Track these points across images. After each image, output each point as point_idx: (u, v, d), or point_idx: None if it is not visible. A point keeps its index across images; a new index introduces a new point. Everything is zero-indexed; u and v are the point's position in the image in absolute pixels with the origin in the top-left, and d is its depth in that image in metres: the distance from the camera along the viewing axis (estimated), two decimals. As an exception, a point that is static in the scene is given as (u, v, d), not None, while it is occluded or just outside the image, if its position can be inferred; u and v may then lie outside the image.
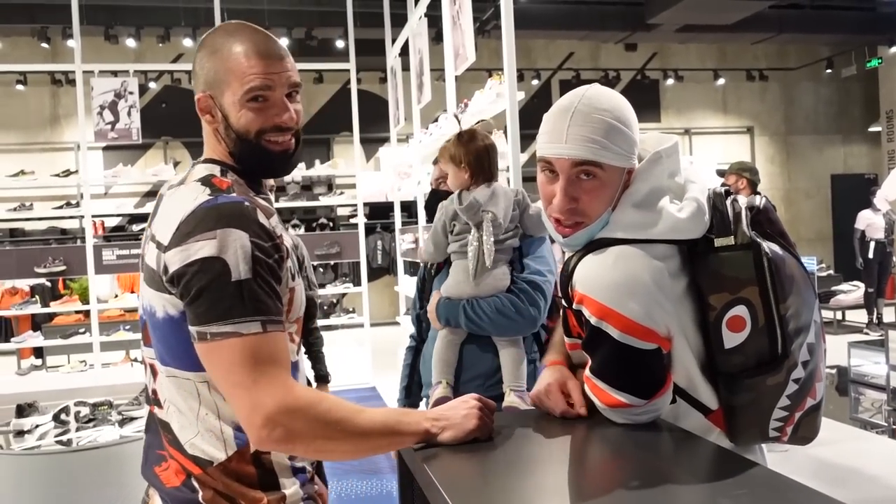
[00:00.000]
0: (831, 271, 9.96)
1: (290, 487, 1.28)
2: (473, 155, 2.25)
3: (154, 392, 1.33)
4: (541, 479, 1.11)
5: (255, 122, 1.27)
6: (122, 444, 2.94)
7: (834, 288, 9.01)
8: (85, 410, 3.20)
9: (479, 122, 2.35)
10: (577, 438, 1.28)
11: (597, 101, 1.29)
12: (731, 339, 1.26)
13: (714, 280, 1.27)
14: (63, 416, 3.17)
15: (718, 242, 1.28)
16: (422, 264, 2.49)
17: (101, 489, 2.89)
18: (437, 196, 2.49)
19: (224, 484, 1.24)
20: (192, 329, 1.16)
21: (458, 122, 2.29)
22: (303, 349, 1.49)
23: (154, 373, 1.31)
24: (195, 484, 1.25)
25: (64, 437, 3.07)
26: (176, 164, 9.25)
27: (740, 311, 1.26)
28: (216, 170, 1.29)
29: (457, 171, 2.28)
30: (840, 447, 4.53)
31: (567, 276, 1.32)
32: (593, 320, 1.25)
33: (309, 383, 2.25)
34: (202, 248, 1.14)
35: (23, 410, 3.18)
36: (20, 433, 3.10)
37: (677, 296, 1.27)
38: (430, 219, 2.50)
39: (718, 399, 1.31)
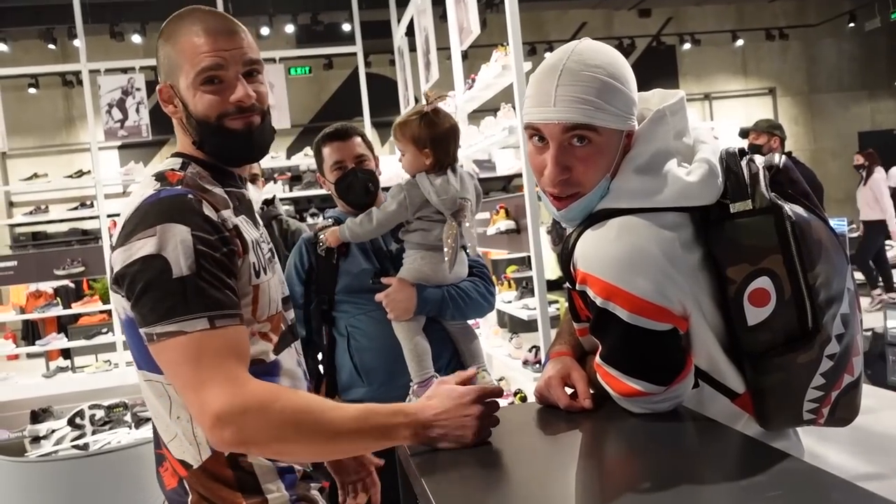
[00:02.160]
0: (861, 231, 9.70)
1: (275, 491, 1.21)
2: (441, 139, 2.02)
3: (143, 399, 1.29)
4: (546, 485, 1.00)
5: (213, 105, 1.21)
6: (138, 445, 2.90)
7: (865, 249, 8.76)
8: (100, 413, 3.16)
9: (436, 96, 2.09)
10: (587, 435, 1.17)
11: (587, 56, 1.16)
12: (754, 315, 1.13)
13: (732, 250, 1.13)
14: (78, 420, 3.14)
15: (734, 208, 1.14)
16: (303, 250, 2.19)
17: (120, 492, 2.85)
18: (357, 176, 2.16)
19: (205, 487, 1.20)
20: (142, 331, 1.12)
21: (427, 99, 2.07)
22: (296, 346, 1.38)
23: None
24: (186, 486, 1.22)
25: (80, 441, 3.04)
26: (190, 158, 9.22)
27: (763, 283, 1.13)
28: (177, 163, 1.25)
29: (417, 153, 2.03)
30: (879, 414, 4.36)
31: (567, 254, 1.20)
32: (599, 301, 1.13)
33: (317, 385, 2.16)
34: (143, 246, 1.10)
35: (37, 416, 3.15)
36: (36, 439, 3.07)
37: (691, 269, 1.14)
38: (361, 205, 2.16)
39: (745, 382, 1.18)
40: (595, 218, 1.17)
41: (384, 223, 2.06)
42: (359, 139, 2.20)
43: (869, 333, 6.39)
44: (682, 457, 1.05)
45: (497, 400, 1.15)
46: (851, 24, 11.84)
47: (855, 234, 8.97)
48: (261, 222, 1.37)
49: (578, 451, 1.12)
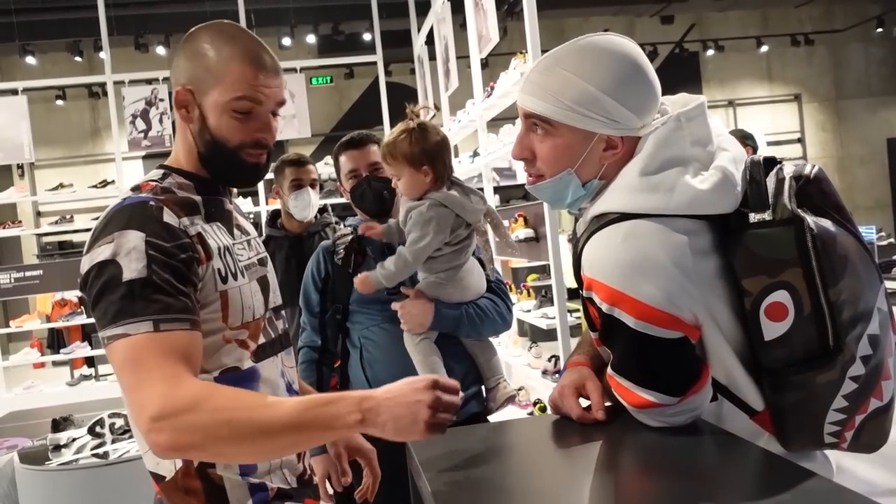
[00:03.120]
0: (892, 240, 9.50)
1: None
2: (436, 152, 1.91)
3: None
4: (555, 500, 0.97)
5: (238, 133, 1.23)
6: (157, 455, 2.91)
7: (896, 257, 8.59)
8: (119, 422, 3.16)
9: (420, 108, 2.00)
10: (601, 448, 1.14)
11: (574, 53, 1.17)
12: (771, 330, 1.09)
13: (749, 261, 1.10)
14: (98, 429, 3.14)
15: (753, 218, 1.11)
16: (320, 258, 2.16)
17: (139, 501, 2.85)
18: (370, 185, 2.12)
19: (177, 500, 1.19)
20: (99, 335, 1.13)
21: (411, 115, 1.97)
22: (284, 356, 1.35)
23: None
24: (163, 499, 1.22)
25: (100, 450, 3.05)
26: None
27: (781, 296, 1.09)
28: (158, 175, 1.27)
29: (415, 173, 1.89)
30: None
31: (577, 259, 1.18)
32: (605, 307, 1.10)
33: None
34: (101, 252, 1.12)
35: (58, 425, 3.16)
36: (57, 448, 3.09)
37: (706, 277, 1.11)
38: (376, 213, 2.14)
39: (764, 399, 1.14)
40: (602, 223, 1.14)
41: (420, 257, 1.90)
42: (374, 147, 2.17)
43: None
44: (699, 473, 1.01)
45: (454, 397, 1.06)
46: (879, 29, 11.66)
47: (884, 242, 8.81)
48: (250, 231, 1.37)
49: (591, 465, 1.09)
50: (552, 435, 1.21)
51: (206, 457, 1.13)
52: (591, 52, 1.16)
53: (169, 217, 1.16)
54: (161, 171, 1.28)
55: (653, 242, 1.09)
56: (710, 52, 11.50)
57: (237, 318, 1.23)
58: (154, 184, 1.23)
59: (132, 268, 1.09)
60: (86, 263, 1.13)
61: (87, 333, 7.87)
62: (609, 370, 1.17)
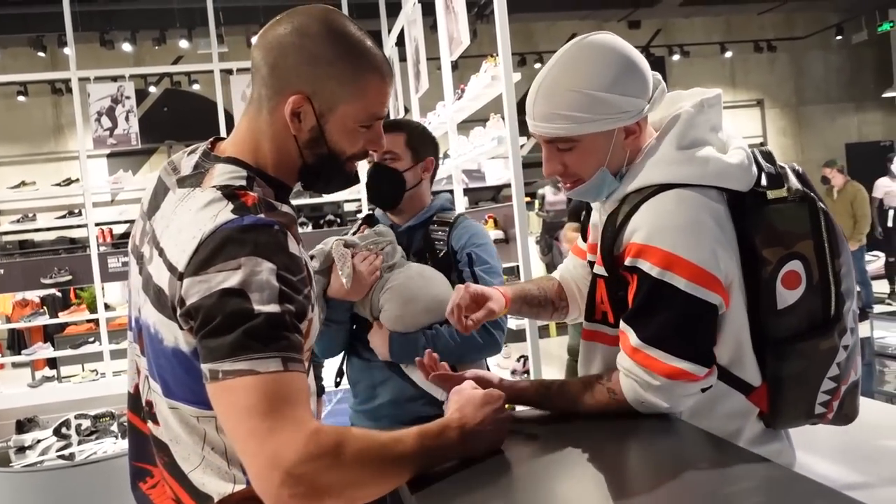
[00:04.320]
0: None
1: None
2: None
3: (150, 405, 1.14)
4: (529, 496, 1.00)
5: (358, 145, 1.16)
6: (125, 456, 2.88)
7: (853, 259, 8.82)
8: (86, 423, 3.14)
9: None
10: (580, 449, 1.17)
11: (565, 71, 1.25)
12: (784, 298, 1.21)
13: (768, 233, 1.21)
14: (64, 430, 3.12)
15: (771, 194, 1.23)
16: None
17: (105, 502, 2.83)
18: (375, 172, 2.06)
19: None
20: (204, 367, 0.99)
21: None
22: None
23: (150, 386, 1.14)
24: None
25: (66, 452, 3.01)
26: (180, 167, 9.18)
27: (795, 266, 1.21)
28: (241, 176, 1.10)
29: None
30: (867, 422, 4.37)
31: (613, 234, 1.24)
32: (655, 272, 1.16)
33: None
34: (225, 279, 0.98)
35: (23, 426, 3.12)
36: (21, 449, 3.05)
37: (732, 243, 1.21)
38: (371, 200, 2.12)
39: (763, 374, 1.23)
40: (645, 194, 1.22)
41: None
42: (397, 135, 2.03)
43: (856, 343, 6.42)
44: (669, 465, 1.06)
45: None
46: (839, 37, 11.96)
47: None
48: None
49: (567, 463, 1.13)
50: (526, 432, 1.24)
51: (340, 501, 0.98)
52: (581, 60, 1.25)
53: (293, 246, 1.05)
54: (244, 174, 1.11)
55: (700, 207, 1.18)
56: (676, 57, 11.68)
57: (309, 344, 1.13)
58: (254, 196, 1.07)
59: (264, 301, 0.98)
60: (200, 289, 0.99)
61: (48, 334, 7.73)
62: (635, 343, 1.20)
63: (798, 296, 1.20)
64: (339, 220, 10.14)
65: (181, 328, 1.03)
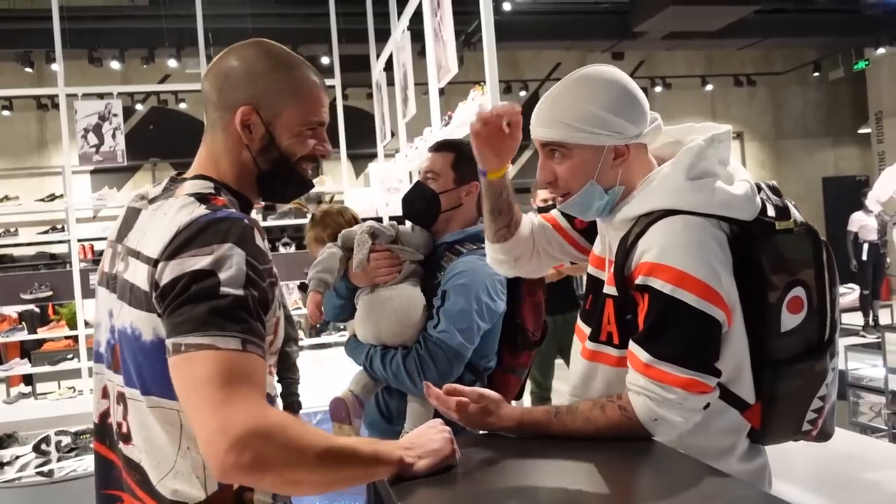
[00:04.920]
0: (826, 274, 9.93)
1: None
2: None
3: (120, 426, 1.20)
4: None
5: (305, 148, 1.27)
6: (105, 473, 2.87)
7: (829, 291, 8.95)
8: (66, 440, 3.12)
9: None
10: (556, 464, 1.22)
11: (573, 84, 1.37)
12: (789, 321, 1.30)
13: (777, 260, 1.30)
14: (44, 447, 3.09)
15: (779, 225, 1.33)
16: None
17: (84, 521, 2.81)
18: (414, 190, 2.11)
19: None
20: (168, 342, 1.06)
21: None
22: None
23: (125, 404, 1.18)
24: None
25: (45, 468, 2.99)
26: (164, 185, 9.19)
27: (799, 292, 1.30)
28: (210, 186, 1.21)
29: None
30: (841, 452, 4.45)
31: (624, 254, 1.31)
32: (667, 289, 1.24)
33: None
34: (197, 261, 1.07)
35: (1, 442, 3.10)
36: (0, 465, 3.02)
37: (731, 269, 1.29)
38: (405, 216, 2.14)
39: (757, 392, 1.31)
40: (653, 217, 1.31)
41: None
42: (442, 155, 2.07)
43: (831, 374, 6.52)
44: (656, 489, 1.10)
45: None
46: (816, 74, 12.25)
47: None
48: None
49: (546, 481, 1.17)
50: (504, 453, 1.28)
51: (274, 481, 1.05)
52: (587, 80, 1.38)
53: (259, 240, 1.14)
54: (212, 185, 1.22)
55: (704, 232, 1.28)
56: (658, 89, 11.90)
57: (276, 346, 1.22)
58: (224, 200, 1.19)
59: (231, 283, 1.06)
60: (173, 270, 1.07)
61: (25, 350, 7.65)
62: (646, 360, 1.26)
63: (800, 320, 1.30)
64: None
65: (159, 315, 1.10)
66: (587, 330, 1.46)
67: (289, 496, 1.24)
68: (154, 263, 1.10)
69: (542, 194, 4.81)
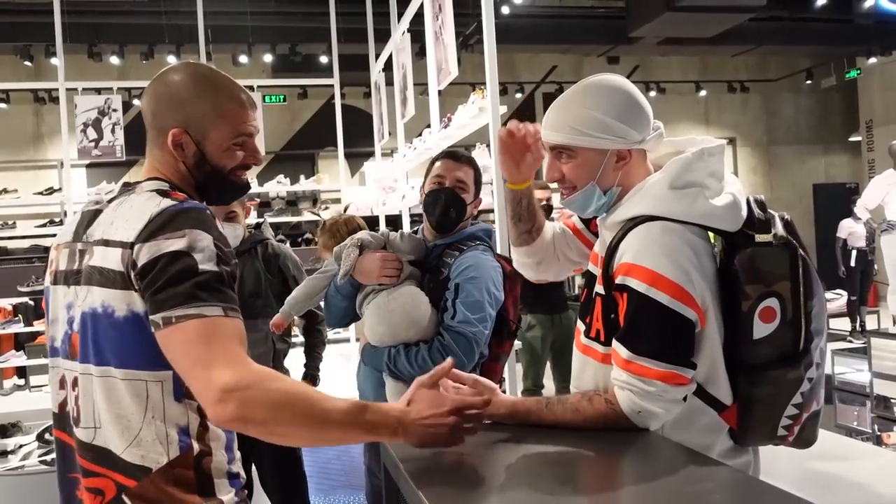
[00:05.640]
0: (814, 280, 10.02)
1: (226, 494, 1.29)
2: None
3: (75, 410, 1.30)
4: (531, 493, 1.12)
5: (235, 160, 1.40)
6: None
7: (817, 296, 9.04)
8: (69, 430, 3.17)
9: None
10: (568, 450, 1.30)
11: (581, 92, 1.48)
12: (760, 330, 1.36)
13: (752, 271, 1.37)
14: (47, 436, 3.14)
15: (759, 238, 1.40)
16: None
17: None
18: (445, 195, 2.20)
19: (161, 491, 1.24)
20: (156, 317, 1.20)
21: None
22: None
23: (77, 387, 1.29)
24: (126, 500, 1.24)
25: (48, 457, 3.04)
26: (160, 180, 9.20)
27: (772, 303, 1.36)
28: (165, 185, 1.36)
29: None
30: (825, 453, 4.55)
31: (608, 256, 1.41)
32: (642, 288, 1.32)
33: None
34: (172, 243, 1.21)
35: (6, 430, 3.15)
36: (3, 453, 3.07)
37: (708, 276, 1.37)
38: (437, 225, 2.23)
39: (735, 394, 1.38)
40: (635, 222, 1.40)
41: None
42: (469, 169, 2.24)
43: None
44: (650, 477, 1.18)
45: (476, 412, 1.27)
46: (808, 81, 12.36)
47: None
48: None
49: (560, 467, 1.24)
50: (518, 437, 1.36)
51: (262, 432, 1.19)
52: (594, 87, 1.49)
53: (219, 226, 1.30)
54: (167, 184, 1.37)
55: (680, 238, 1.36)
56: (653, 94, 11.98)
57: None
58: (183, 195, 1.34)
59: (206, 261, 1.21)
60: (150, 251, 1.21)
61: (20, 343, 7.65)
62: (626, 356, 1.34)
63: (772, 329, 1.36)
64: (317, 240, 10.17)
65: (135, 290, 1.23)
66: (581, 326, 1.56)
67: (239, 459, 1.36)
68: (129, 246, 1.23)
69: (539, 194, 4.95)
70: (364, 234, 2.25)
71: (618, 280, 1.37)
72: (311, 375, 3.29)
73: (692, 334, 1.34)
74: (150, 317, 1.20)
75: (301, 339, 3.85)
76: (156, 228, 1.23)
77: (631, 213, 1.44)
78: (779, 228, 1.42)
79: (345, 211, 3.36)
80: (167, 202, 1.28)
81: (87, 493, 1.27)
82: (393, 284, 2.15)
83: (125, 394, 1.25)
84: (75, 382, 1.30)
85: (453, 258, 2.16)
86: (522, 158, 1.70)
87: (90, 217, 1.36)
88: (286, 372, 3.18)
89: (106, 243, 1.27)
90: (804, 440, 1.48)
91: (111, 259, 1.25)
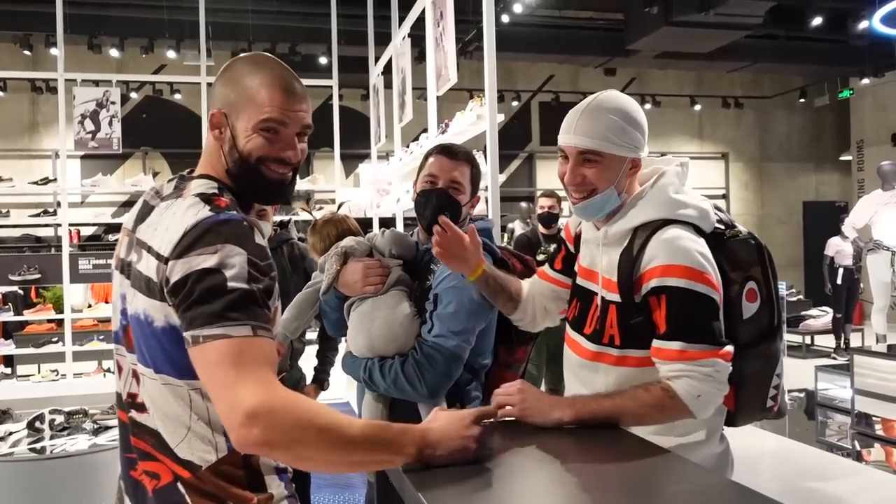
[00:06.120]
0: (801, 296, 10.14)
1: (276, 488, 1.30)
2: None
3: (133, 396, 1.32)
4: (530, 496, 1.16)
5: (262, 149, 1.34)
6: (96, 452, 2.94)
7: (803, 313, 9.15)
8: (59, 419, 3.19)
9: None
10: (569, 452, 1.36)
11: (605, 102, 1.60)
12: (748, 310, 1.57)
13: (734, 260, 1.59)
14: (37, 424, 3.16)
15: (729, 234, 1.63)
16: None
17: (74, 498, 2.88)
18: (437, 199, 2.02)
19: (215, 485, 1.25)
20: (186, 334, 1.18)
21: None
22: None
23: (137, 378, 1.31)
24: (181, 488, 1.26)
25: (37, 445, 3.06)
26: (155, 174, 9.21)
27: (752, 285, 1.59)
28: (213, 187, 1.32)
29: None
30: (807, 468, 4.61)
31: (630, 263, 1.53)
32: (682, 284, 1.48)
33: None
34: (203, 260, 1.18)
35: (-4, 418, 3.17)
36: (-7, 440, 3.09)
37: (714, 267, 1.54)
38: (428, 226, 1.99)
39: (729, 377, 1.50)
40: (654, 227, 1.55)
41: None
42: (466, 167, 2.05)
43: (802, 394, 6.71)
44: (645, 481, 1.23)
45: (491, 420, 1.32)
46: (802, 100, 12.49)
47: (794, 299, 9.41)
48: None
49: (561, 470, 1.28)
50: (517, 439, 1.40)
51: (286, 457, 1.18)
52: (615, 100, 1.63)
53: (258, 238, 1.25)
54: (215, 185, 1.33)
55: (692, 236, 1.55)
56: (648, 106, 12.07)
57: (275, 329, 1.29)
58: (226, 200, 1.29)
59: (236, 279, 1.17)
60: (182, 268, 1.19)
61: (8, 331, 7.66)
62: (681, 347, 1.47)
63: (756, 308, 1.58)
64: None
65: (170, 305, 1.21)
66: (578, 335, 1.67)
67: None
68: (164, 261, 1.21)
69: (543, 202, 5.03)
70: (348, 242, 2.14)
71: (653, 283, 1.50)
72: (320, 379, 3.30)
73: (720, 314, 1.51)
74: (183, 333, 1.19)
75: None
76: (189, 244, 1.20)
77: (641, 219, 1.58)
78: (741, 227, 1.66)
79: (338, 209, 3.31)
80: (204, 213, 1.24)
81: (144, 475, 1.30)
82: (378, 293, 2.03)
83: (170, 397, 1.26)
84: (133, 373, 1.32)
85: (439, 265, 1.98)
86: (464, 249, 1.77)
87: (145, 210, 1.35)
88: (300, 371, 3.22)
89: (148, 249, 1.27)
90: (780, 411, 1.66)
91: (151, 269, 1.24)
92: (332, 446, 1.16)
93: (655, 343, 1.51)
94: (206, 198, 1.28)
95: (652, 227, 1.55)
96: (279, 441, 1.12)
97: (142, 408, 1.31)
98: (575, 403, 1.50)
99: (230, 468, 1.26)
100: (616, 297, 1.56)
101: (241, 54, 1.42)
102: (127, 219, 1.42)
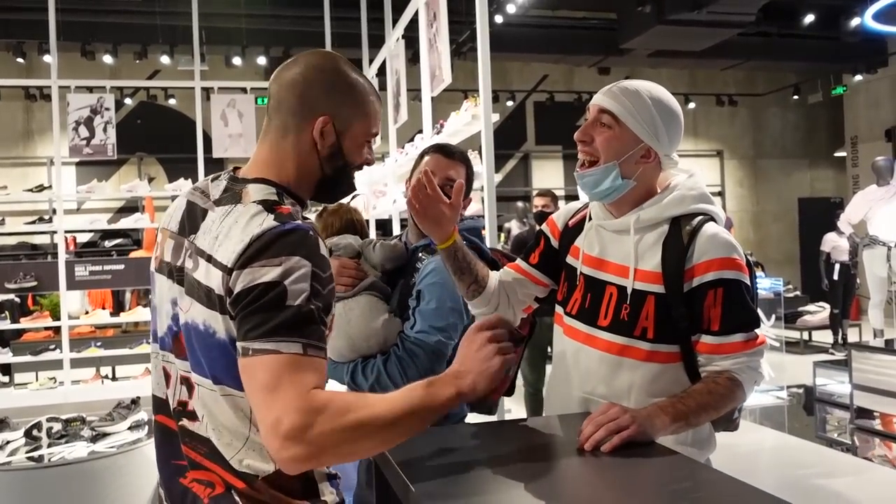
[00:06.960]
0: (798, 292, 10.15)
1: (329, 494, 1.29)
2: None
3: (184, 405, 1.30)
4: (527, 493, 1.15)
5: (361, 157, 1.39)
6: (94, 460, 2.93)
7: (800, 309, 9.17)
8: (57, 426, 3.18)
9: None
10: (566, 450, 1.34)
11: (647, 86, 1.64)
12: None
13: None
14: (35, 432, 3.15)
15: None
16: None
17: (73, 505, 2.87)
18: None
19: (270, 495, 1.24)
20: (239, 345, 1.16)
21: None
22: None
23: (189, 386, 1.29)
24: (236, 498, 1.24)
25: (35, 454, 3.05)
26: (150, 179, 9.21)
27: None
28: (273, 192, 1.29)
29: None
30: (806, 463, 4.62)
31: (679, 253, 1.54)
32: (736, 276, 1.53)
33: None
34: (267, 272, 1.16)
35: (-6, 426, 3.15)
36: (-9, 449, 3.07)
37: None
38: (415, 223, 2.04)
39: None
40: (697, 219, 1.58)
41: None
42: (462, 167, 2.07)
43: (801, 390, 6.72)
44: (643, 479, 1.23)
45: (502, 330, 1.28)
46: (796, 97, 12.52)
47: (790, 295, 9.42)
48: None
49: (555, 467, 1.28)
50: (514, 438, 1.40)
51: (335, 461, 1.15)
52: (659, 91, 1.65)
53: (322, 248, 1.22)
54: (274, 191, 1.29)
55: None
56: (642, 105, 12.08)
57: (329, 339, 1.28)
58: (288, 208, 1.25)
59: (296, 295, 1.14)
60: (246, 280, 1.16)
61: (5, 340, 7.63)
62: (746, 338, 1.53)
63: None
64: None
65: (232, 318, 1.19)
66: (591, 328, 1.61)
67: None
68: (228, 271, 1.19)
69: (539, 201, 5.07)
70: (338, 240, 2.13)
71: (710, 276, 1.52)
72: None
73: None
74: (237, 343, 1.17)
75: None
76: (254, 253, 1.17)
77: (673, 212, 1.59)
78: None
79: (351, 200, 3.28)
80: (270, 222, 1.20)
81: (195, 483, 1.28)
82: (347, 295, 2.01)
83: (227, 408, 1.24)
84: (184, 380, 1.30)
85: (423, 262, 2.01)
86: (441, 213, 1.66)
87: (196, 213, 1.32)
88: None
89: (209, 259, 1.23)
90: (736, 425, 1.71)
91: (214, 280, 1.21)
92: (375, 434, 1.14)
93: (711, 339, 1.53)
94: (268, 205, 1.25)
95: (693, 220, 1.58)
96: (323, 451, 1.10)
97: (193, 416, 1.29)
98: (666, 409, 1.44)
99: (286, 478, 1.24)
100: (655, 289, 1.54)
101: (314, 52, 1.39)
102: (166, 219, 1.39)
